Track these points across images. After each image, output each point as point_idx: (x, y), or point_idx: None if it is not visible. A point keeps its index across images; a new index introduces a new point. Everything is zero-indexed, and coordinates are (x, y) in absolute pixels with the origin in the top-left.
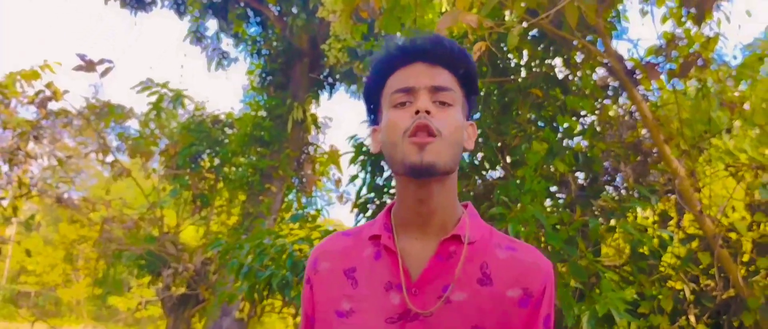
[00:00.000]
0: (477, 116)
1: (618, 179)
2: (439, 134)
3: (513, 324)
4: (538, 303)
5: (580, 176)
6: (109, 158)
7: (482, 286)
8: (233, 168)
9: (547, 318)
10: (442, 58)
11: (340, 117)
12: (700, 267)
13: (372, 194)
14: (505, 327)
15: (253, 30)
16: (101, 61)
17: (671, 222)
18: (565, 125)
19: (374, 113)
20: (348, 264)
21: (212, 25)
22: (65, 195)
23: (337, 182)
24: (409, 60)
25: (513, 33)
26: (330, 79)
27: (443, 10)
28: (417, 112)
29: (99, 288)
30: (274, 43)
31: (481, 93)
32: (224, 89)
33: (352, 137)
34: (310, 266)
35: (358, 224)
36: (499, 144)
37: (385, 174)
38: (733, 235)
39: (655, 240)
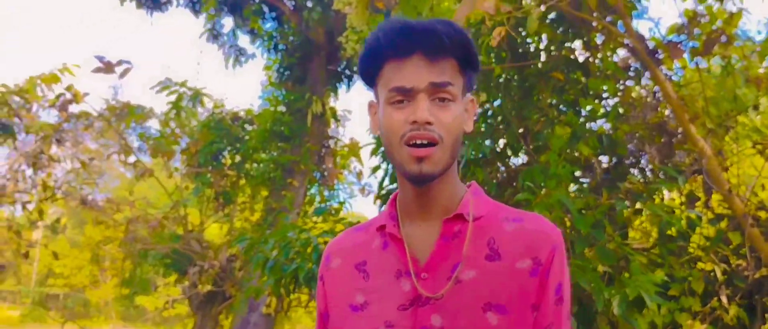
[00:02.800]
0: (497, 102)
1: (643, 161)
2: (439, 141)
3: (526, 296)
4: (547, 270)
5: (605, 159)
6: (131, 159)
7: (491, 262)
8: (254, 164)
9: (559, 286)
10: (442, 48)
11: (359, 109)
12: (731, 247)
13: (394, 185)
14: (520, 300)
15: (269, 25)
16: (119, 63)
17: (699, 203)
18: (588, 107)
19: (372, 87)
20: (359, 258)
21: (228, 22)
22: (89, 197)
23: (359, 174)
24: (407, 52)
25: (532, 16)
26: (347, 72)
27: None
28: (415, 121)
29: (126, 288)
30: (291, 38)
31: (501, 79)
32: (242, 85)
33: None
34: (322, 264)
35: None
36: (522, 130)
37: None
38: (762, 214)
39: (683, 221)
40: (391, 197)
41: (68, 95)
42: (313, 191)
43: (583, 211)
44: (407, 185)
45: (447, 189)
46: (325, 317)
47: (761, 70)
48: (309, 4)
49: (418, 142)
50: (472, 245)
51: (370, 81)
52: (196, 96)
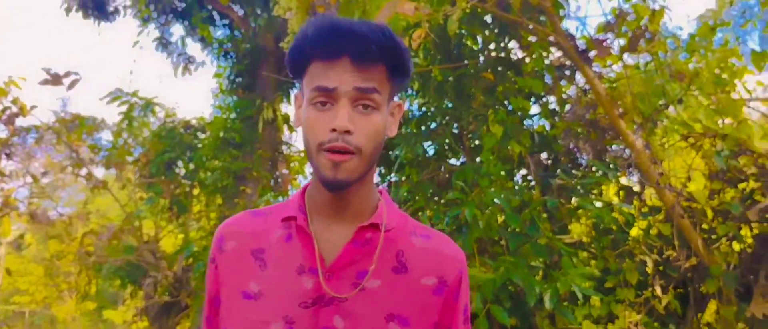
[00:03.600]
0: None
1: (581, 157)
2: (357, 152)
3: (428, 312)
4: (454, 291)
5: (545, 156)
6: (83, 172)
7: (397, 274)
8: (207, 173)
9: (466, 308)
10: (371, 54)
11: None
12: (663, 238)
13: None
14: (421, 315)
15: (219, 33)
16: (67, 74)
17: (635, 197)
18: (520, 106)
19: (298, 80)
20: (256, 245)
21: (177, 30)
22: (41, 212)
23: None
24: (335, 54)
25: (452, 18)
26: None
27: None
28: (334, 129)
29: (89, 302)
30: (241, 45)
31: (435, 83)
32: (192, 93)
33: None
34: (215, 244)
35: None
36: (458, 131)
37: None
38: (693, 205)
39: (618, 215)
40: (300, 188)
41: (15, 109)
42: (267, 197)
43: (519, 208)
44: (322, 189)
45: (361, 195)
46: (215, 301)
47: (689, 66)
48: (257, 11)
49: (336, 150)
50: (381, 255)
51: (297, 75)
52: (148, 106)
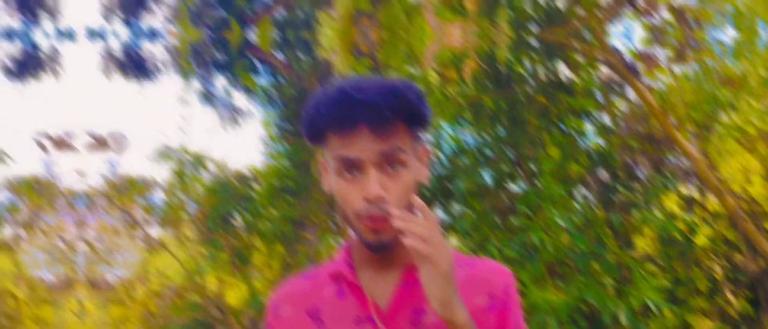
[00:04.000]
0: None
1: (637, 171)
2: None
3: None
4: (502, 302)
5: (603, 174)
6: (139, 233)
7: None
8: (266, 222)
9: (517, 316)
10: (387, 120)
11: None
12: (730, 243)
13: None
14: None
15: (263, 81)
16: (113, 136)
17: (696, 205)
18: (574, 126)
19: (317, 146)
20: (310, 305)
21: (220, 82)
22: (101, 277)
23: None
24: (351, 125)
25: (500, 46)
26: None
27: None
28: (368, 198)
29: None
30: (286, 90)
31: (488, 111)
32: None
33: None
34: (271, 313)
35: None
36: (514, 157)
37: None
38: (755, 207)
39: (682, 225)
40: (344, 244)
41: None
42: (329, 240)
43: (584, 227)
44: (365, 248)
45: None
46: None
47: (736, 71)
48: (300, 55)
49: (374, 218)
50: None
51: (315, 143)
52: (198, 161)
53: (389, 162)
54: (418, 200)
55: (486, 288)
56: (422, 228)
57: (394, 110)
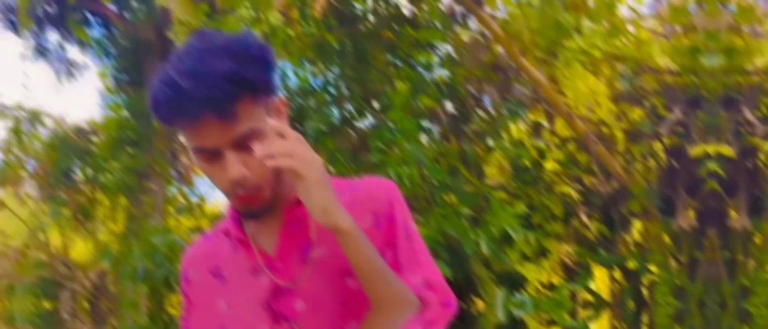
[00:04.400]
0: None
1: (485, 100)
2: (260, 188)
3: (378, 249)
4: (388, 216)
5: (451, 107)
6: None
7: None
8: (108, 174)
9: (406, 225)
10: (229, 106)
11: None
12: (581, 167)
13: None
14: None
15: (96, 33)
16: None
17: (545, 130)
18: (422, 59)
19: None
20: (213, 264)
21: (53, 36)
22: None
23: None
24: (195, 118)
25: None
26: None
27: None
28: (232, 181)
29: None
30: (121, 41)
31: (335, 49)
32: (80, 97)
33: None
34: (182, 278)
35: None
36: (364, 93)
37: None
38: (604, 129)
39: (533, 151)
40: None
41: None
42: (173, 190)
43: (437, 160)
44: None
45: (275, 183)
46: (185, 324)
47: None
48: (134, 5)
49: (243, 197)
50: (317, 225)
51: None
52: (35, 117)
53: (244, 143)
54: (272, 122)
55: (369, 207)
56: (282, 146)
57: (236, 95)
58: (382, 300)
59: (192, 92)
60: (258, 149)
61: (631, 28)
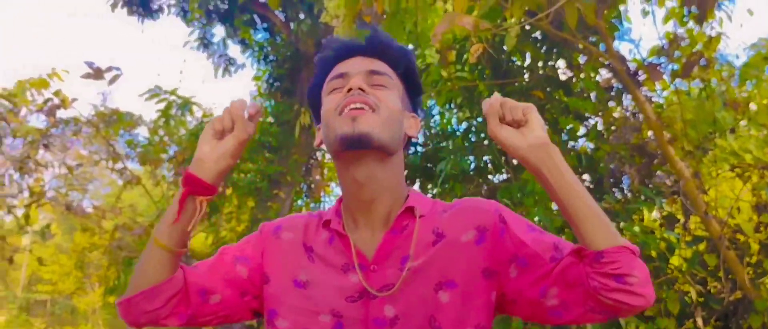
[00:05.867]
0: (479, 118)
1: (624, 181)
2: (374, 107)
3: (475, 264)
4: (498, 230)
5: (587, 178)
6: (119, 166)
7: (436, 245)
8: (242, 174)
9: (527, 227)
10: (379, 52)
11: None
12: (708, 269)
13: None
14: (469, 270)
15: (259, 36)
16: (109, 69)
17: (677, 225)
18: (568, 126)
19: (318, 113)
20: (307, 241)
21: (219, 31)
22: (76, 204)
23: None
24: (346, 56)
25: (510, 34)
26: None
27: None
28: (349, 89)
29: (112, 296)
30: (281, 49)
31: (483, 97)
32: (231, 94)
33: None
34: (271, 228)
35: None
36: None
37: None
38: (740, 237)
39: (662, 243)
40: (339, 198)
41: (56, 101)
42: (299, 203)
43: (562, 229)
44: (346, 174)
45: (390, 186)
46: (246, 263)
47: (741, 95)
48: (300, 16)
49: (353, 106)
50: (419, 237)
51: (318, 99)
52: (185, 104)
53: (375, 81)
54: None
55: (473, 222)
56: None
57: (381, 48)
58: (597, 210)
59: (356, 40)
60: (387, 93)
61: None
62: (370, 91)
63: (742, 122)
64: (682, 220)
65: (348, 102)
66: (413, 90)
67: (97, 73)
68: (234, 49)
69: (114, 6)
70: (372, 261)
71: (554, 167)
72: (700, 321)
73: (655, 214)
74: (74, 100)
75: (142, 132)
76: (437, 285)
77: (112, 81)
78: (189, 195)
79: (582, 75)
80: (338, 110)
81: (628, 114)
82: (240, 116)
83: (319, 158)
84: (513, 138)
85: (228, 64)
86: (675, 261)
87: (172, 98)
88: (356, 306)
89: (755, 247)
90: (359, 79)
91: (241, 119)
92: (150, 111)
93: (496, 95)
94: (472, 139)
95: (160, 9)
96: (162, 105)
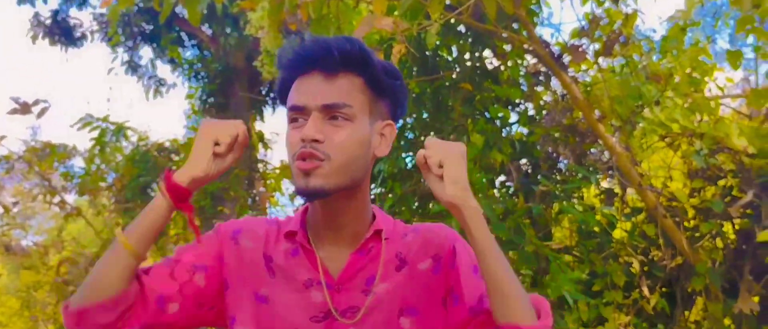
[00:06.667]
0: (412, 116)
1: (560, 162)
2: (326, 158)
3: (433, 293)
4: (449, 262)
5: (525, 163)
6: (57, 199)
7: (399, 271)
8: None
9: (472, 265)
10: (336, 64)
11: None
12: (648, 238)
13: None
14: (427, 299)
15: (188, 54)
16: (36, 102)
17: (616, 198)
18: (500, 114)
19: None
20: (267, 251)
21: (146, 53)
22: (14, 244)
23: (292, 195)
24: (307, 69)
25: (430, 32)
26: (271, 95)
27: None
28: (303, 138)
29: None
30: (211, 65)
31: (413, 95)
32: (164, 115)
33: None
34: (229, 231)
35: None
36: None
37: None
38: (675, 204)
39: (601, 218)
40: (302, 207)
41: None
42: (245, 217)
43: (504, 216)
44: (314, 206)
45: (357, 214)
46: (204, 270)
47: (661, 67)
48: (227, 31)
49: (305, 157)
50: (386, 261)
51: (284, 102)
52: (119, 130)
53: (333, 115)
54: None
55: (430, 251)
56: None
57: (344, 55)
58: (503, 282)
59: (313, 45)
60: (347, 128)
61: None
62: (326, 133)
63: (668, 94)
64: (621, 194)
65: (301, 155)
66: (383, 90)
67: (24, 108)
68: (163, 69)
69: (34, 38)
70: (337, 281)
71: (466, 225)
72: (646, 290)
73: (595, 191)
74: (2, 137)
75: (78, 163)
76: (399, 310)
77: (40, 114)
78: (178, 209)
79: (509, 63)
80: (294, 156)
81: (558, 96)
82: (241, 143)
83: (261, 170)
84: (437, 190)
85: (158, 85)
86: (617, 234)
87: (105, 125)
88: (320, 326)
89: (691, 212)
90: (315, 121)
91: (240, 146)
92: (83, 141)
93: (428, 142)
94: (408, 136)
95: (83, 36)
96: (95, 133)
